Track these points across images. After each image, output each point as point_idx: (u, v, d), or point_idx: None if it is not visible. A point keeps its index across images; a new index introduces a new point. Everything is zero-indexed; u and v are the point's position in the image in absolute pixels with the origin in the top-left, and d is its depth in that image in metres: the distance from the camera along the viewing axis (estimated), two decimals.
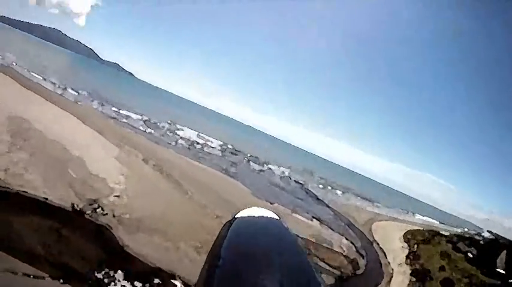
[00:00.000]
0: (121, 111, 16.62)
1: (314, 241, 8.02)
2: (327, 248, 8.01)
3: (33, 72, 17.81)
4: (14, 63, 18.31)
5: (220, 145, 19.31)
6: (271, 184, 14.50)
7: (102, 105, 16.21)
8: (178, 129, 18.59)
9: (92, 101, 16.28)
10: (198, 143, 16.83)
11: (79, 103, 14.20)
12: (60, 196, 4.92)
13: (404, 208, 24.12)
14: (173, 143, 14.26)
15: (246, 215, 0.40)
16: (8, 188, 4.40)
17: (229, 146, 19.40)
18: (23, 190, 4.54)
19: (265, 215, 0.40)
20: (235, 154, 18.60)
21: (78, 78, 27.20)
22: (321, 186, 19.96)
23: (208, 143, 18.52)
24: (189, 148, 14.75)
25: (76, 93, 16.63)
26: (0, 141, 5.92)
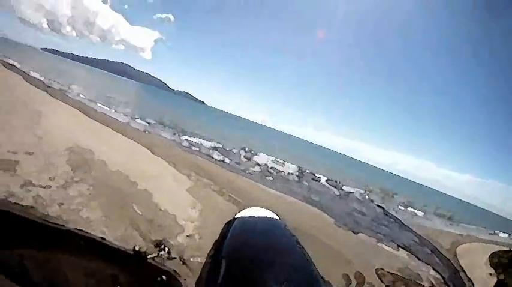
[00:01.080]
0: (193, 139, 16.77)
1: (403, 276, 7.36)
2: (417, 283, 7.36)
3: (100, 103, 19.82)
4: (80, 95, 20.90)
5: (297, 170, 18.97)
6: (351, 209, 13.34)
7: (174, 134, 16.57)
8: (253, 155, 18.51)
9: (163, 130, 16.85)
10: (274, 169, 16.29)
11: (148, 132, 14.74)
12: (120, 236, 4.51)
13: (484, 224, 23.54)
14: (249, 171, 13.75)
15: (247, 215, 0.43)
16: (61, 225, 4.08)
17: (307, 170, 19.63)
18: (78, 227, 4.19)
19: (265, 215, 0.43)
20: (315, 179, 17.94)
21: (148, 108, 29.95)
22: (401, 207, 18.57)
23: (284, 168, 18.23)
24: (265, 175, 14.09)
25: (145, 123, 17.35)
26: (57, 174, 5.79)
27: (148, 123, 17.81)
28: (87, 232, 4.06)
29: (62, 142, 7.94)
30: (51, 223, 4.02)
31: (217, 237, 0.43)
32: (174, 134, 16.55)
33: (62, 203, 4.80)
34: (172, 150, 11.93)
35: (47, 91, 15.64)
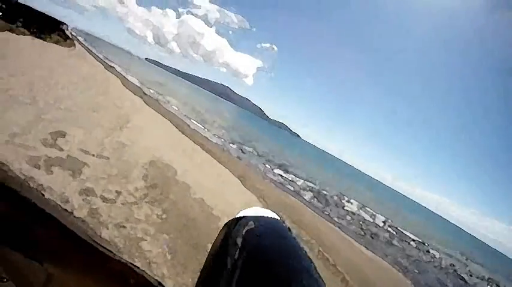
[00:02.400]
0: (286, 175, 24.30)
1: None
2: None
3: (195, 120, 29.02)
4: (176, 108, 30.51)
5: (385, 223, 26.12)
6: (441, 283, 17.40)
7: (267, 165, 24.11)
8: (345, 201, 25.94)
9: (256, 159, 23.91)
10: (365, 222, 22.41)
11: (240, 159, 20.82)
12: (185, 285, 5.27)
13: None
14: (339, 219, 18.89)
15: (249, 215, 0.68)
16: (110, 252, 3.21)
17: (399, 228, 26.74)
18: (134, 263, 3.03)
19: (266, 215, 0.69)
20: (405, 241, 23.07)
21: (244, 134, 43.73)
22: None
23: (374, 219, 25.34)
24: (357, 228, 19.11)
25: (239, 149, 25.03)
26: (128, 188, 7.31)
27: (242, 149, 25.67)
28: (142, 270, 4.02)
29: (144, 153, 10.60)
30: (101, 245, 4.28)
31: (217, 238, 0.68)
32: (268, 166, 24.21)
33: (123, 226, 5.77)
34: (263, 184, 16.24)
35: (142, 98, 23.08)
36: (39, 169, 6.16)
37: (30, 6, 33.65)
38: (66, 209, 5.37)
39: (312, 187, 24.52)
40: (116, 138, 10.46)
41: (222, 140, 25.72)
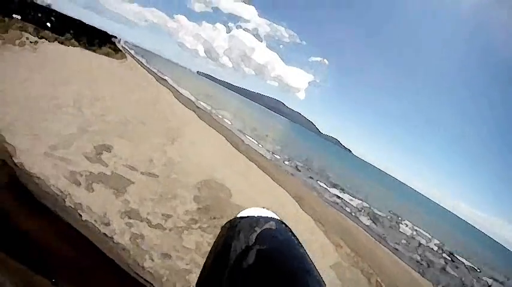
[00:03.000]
0: (342, 194, 25.18)
1: None
2: None
3: (249, 135, 29.08)
4: (229, 122, 30.74)
5: (439, 247, 26.67)
6: None
7: (321, 184, 24.49)
8: (399, 223, 27.17)
9: (311, 177, 24.66)
10: (422, 247, 23.05)
11: (295, 177, 21.19)
12: None
13: None
14: (395, 244, 19.11)
15: (246, 216, 0.74)
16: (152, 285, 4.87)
17: (448, 249, 28.49)
18: None
19: (266, 216, 0.75)
20: (458, 268, 23.52)
21: (297, 150, 45.15)
22: None
23: (429, 243, 26.04)
24: (413, 254, 19.40)
25: (294, 166, 25.58)
26: (177, 212, 7.09)
27: (297, 167, 26.44)
28: None
29: (196, 171, 10.37)
30: (142, 278, 4.63)
31: (218, 237, 0.73)
32: (323, 184, 24.84)
33: (168, 256, 5.42)
34: (320, 205, 16.44)
35: (194, 111, 23.32)
36: (79, 185, 5.91)
37: (81, 20, 36.50)
38: (105, 234, 5.13)
39: (367, 207, 25.39)
40: (166, 154, 10.29)
41: (277, 156, 26.04)
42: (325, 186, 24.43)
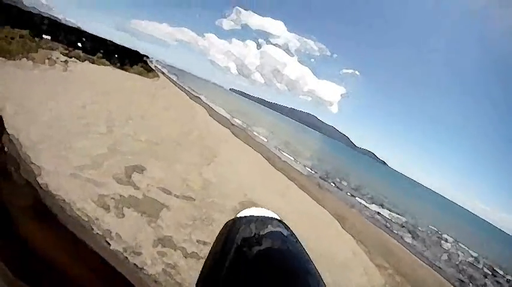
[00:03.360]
0: (382, 210, 25.45)
1: None
2: None
3: (285, 152, 29.49)
4: (264, 139, 31.25)
5: (479, 261, 26.94)
6: None
7: (361, 201, 24.81)
8: (440, 239, 27.56)
9: (350, 194, 25.51)
10: (460, 261, 23.08)
11: (331, 193, 21.31)
12: None
13: None
14: (437, 260, 19.23)
15: (246, 215, 0.77)
16: None
17: (488, 262, 28.35)
18: None
19: (265, 216, 0.77)
20: (500, 283, 23.09)
21: (334, 165, 46.93)
22: None
23: (467, 258, 25.69)
24: (453, 268, 19.91)
25: (332, 183, 26.01)
26: (214, 238, 5.58)
27: (335, 183, 27.00)
28: None
29: (234, 193, 10.16)
30: None
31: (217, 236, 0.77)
32: (363, 201, 25.27)
33: None
34: (361, 223, 16.46)
35: (229, 128, 23.39)
36: (108, 210, 5.65)
37: (112, 40, 38.00)
38: (135, 264, 4.84)
39: (406, 223, 26.16)
40: (202, 175, 10.10)
41: (314, 173, 26.62)
42: (364, 202, 24.96)
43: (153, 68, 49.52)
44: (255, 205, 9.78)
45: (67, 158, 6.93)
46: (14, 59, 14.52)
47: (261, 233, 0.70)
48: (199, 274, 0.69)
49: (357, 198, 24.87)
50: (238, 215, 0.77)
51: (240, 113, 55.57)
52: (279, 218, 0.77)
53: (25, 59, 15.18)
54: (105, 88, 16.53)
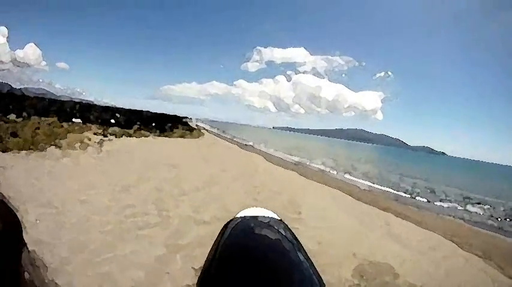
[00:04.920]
0: (479, 209, 22.28)
1: None
2: None
3: (359, 178, 27.42)
4: (334, 172, 29.82)
5: None
6: None
7: (452, 205, 22.46)
8: None
9: (442, 202, 22.95)
10: None
11: (427, 210, 18.71)
12: None
13: None
14: None
15: (246, 215, 0.80)
16: None
17: None
18: None
19: (265, 216, 0.80)
20: None
21: (408, 176, 42.00)
22: None
23: None
24: None
25: (422, 198, 23.48)
26: None
27: (417, 195, 24.28)
28: None
29: (341, 257, 8.30)
30: None
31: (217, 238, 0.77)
32: (456, 204, 23.09)
33: None
34: (476, 236, 14.17)
35: (294, 170, 21.42)
36: None
37: (147, 109, 37.86)
38: None
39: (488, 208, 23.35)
40: (299, 235, 7.51)
41: (401, 193, 24.01)
42: (460, 207, 22.43)
43: (195, 127, 48.86)
44: (373, 263, 8.17)
45: (111, 278, 4.86)
46: (40, 150, 13.08)
47: (258, 232, 0.72)
48: (200, 274, 0.69)
49: (448, 204, 22.61)
50: (238, 215, 0.80)
51: (294, 149, 54.22)
52: (278, 218, 0.81)
53: (53, 147, 13.83)
54: (148, 161, 14.92)
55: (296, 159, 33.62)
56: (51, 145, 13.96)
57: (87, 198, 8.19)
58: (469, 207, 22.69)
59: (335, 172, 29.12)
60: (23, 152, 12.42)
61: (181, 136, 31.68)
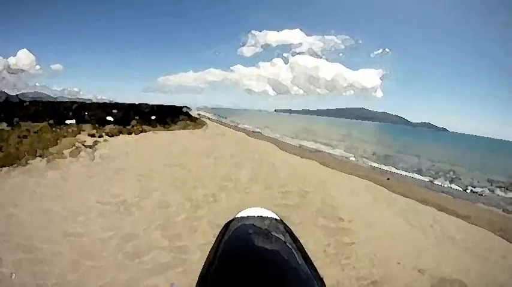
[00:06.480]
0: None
1: None
2: None
3: (380, 164, 25.75)
4: (353, 158, 27.68)
5: None
6: None
7: (491, 192, 20.56)
8: None
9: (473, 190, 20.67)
10: None
11: (464, 199, 16.89)
12: None
13: None
14: None
15: (246, 215, 0.81)
16: None
17: None
18: None
19: (264, 215, 0.81)
20: None
21: (408, 152, 41.97)
22: None
23: None
24: None
25: (455, 186, 21.58)
26: None
27: (432, 176, 23.04)
28: None
29: (403, 270, 7.35)
30: None
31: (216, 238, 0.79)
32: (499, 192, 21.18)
33: None
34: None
35: (314, 159, 19.75)
36: None
37: (145, 103, 36.19)
38: None
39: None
40: (355, 268, 6.74)
41: (424, 178, 22.35)
42: (493, 193, 20.02)
43: (197, 116, 47.05)
44: (447, 283, 7.01)
45: None
46: (24, 164, 11.25)
47: (259, 233, 0.72)
48: (200, 274, 0.69)
49: (477, 188, 20.51)
50: (238, 216, 0.81)
51: (302, 133, 52.78)
52: (278, 218, 0.81)
53: (39, 158, 12.06)
54: (149, 164, 13.14)
55: (308, 144, 31.83)
56: (37, 156, 12.22)
57: (76, 229, 6.47)
58: (498, 192, 20.83)
59: (353, 158, 27.18)
60: (5, 168, 10.60)
61: (184, 128, 30.11)
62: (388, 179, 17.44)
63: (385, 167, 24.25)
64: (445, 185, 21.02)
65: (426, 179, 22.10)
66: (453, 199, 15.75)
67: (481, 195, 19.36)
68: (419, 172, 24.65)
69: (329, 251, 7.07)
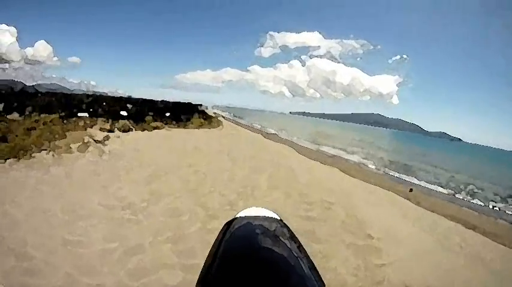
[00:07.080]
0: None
1: None
2: None
3: (400, 174, 24.95)
4: (373, 167, 26.85)
5: None
6: None
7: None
8: None
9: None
10: None
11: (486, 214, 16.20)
12: None
13: None
14: None
15: (246, 215, 0.82)
16: None
17: None
18: None
19: (264, 215, 0.82)
20: None
21: (425, 163, 40.56)
22: None
23: None
24: None
25: (477, 200, 20.90)
26: None
27: (454, 189, 22.35)
28: None
29: None
30: None
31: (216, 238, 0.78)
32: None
33: None
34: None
35: (335, 166, 18.88)
36: None
37: (162, 99, 35.73)
38: None
39: None
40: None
41: (450, 192, 21.40)
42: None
43: (212, 115, 46.60)
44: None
45: None
46: (30, 157, 10.66)
47: (259, 232, 0.73)
48: (200, 274, 0.68)
49: (500, 204, 19.88)
50: (238, 215, 0.82)
51: (320, 137, 52.69)
52: (278, 218, 0.81)
53: (45, 151, 11.39)
54: (161, 164, 12.34)
55: (325, 149, 31.42)
56: (43, 149, 11.54)
57: (75, 236, 5.74)
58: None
59: (372, 166, 26.62)
60: (9, 161, 10.03)
61: (199, 126, 29.39)
62: (410, 190, 16.69)
63: (406, 177, 23.57)
64: (466, 199, 20.20)
65: (447, 191, 21.30)
66: (478, 215, 14.83)
67: (504, 211, 18.44)
68: (440, 184, 23.89)
69: (360, 275, 6.20)
